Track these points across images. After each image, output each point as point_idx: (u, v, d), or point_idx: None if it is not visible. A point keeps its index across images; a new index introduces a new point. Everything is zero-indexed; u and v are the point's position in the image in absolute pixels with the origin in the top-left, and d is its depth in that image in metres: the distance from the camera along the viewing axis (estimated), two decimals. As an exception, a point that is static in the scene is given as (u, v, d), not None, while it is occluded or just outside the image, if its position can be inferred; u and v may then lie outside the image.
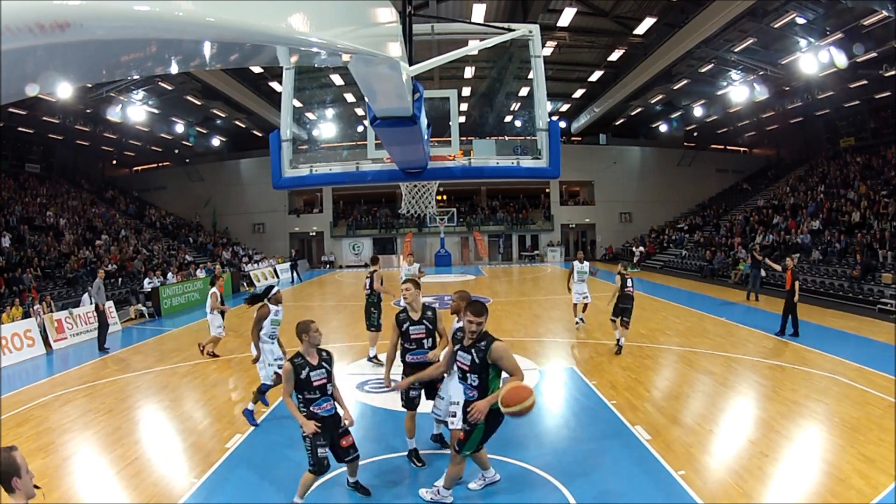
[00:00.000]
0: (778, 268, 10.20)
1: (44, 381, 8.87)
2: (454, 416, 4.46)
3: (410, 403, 5.18)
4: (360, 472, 5.10)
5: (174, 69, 1.71)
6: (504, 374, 4.21)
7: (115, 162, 33.02)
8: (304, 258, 32.88)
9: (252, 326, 6.51)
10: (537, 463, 5.11)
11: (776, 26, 16.59)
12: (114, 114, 21.87)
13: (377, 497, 4.70)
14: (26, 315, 11.94)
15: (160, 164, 34.23)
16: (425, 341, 5.12)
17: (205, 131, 29.82)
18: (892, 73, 18.21)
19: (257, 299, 6.81)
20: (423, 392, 5.24)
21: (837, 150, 25.75)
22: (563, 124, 27.25)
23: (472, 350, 4.16)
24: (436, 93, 6.83)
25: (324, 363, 4.31)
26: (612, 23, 19.19)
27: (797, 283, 9.95)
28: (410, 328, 5.09)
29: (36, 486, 2.37)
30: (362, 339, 11.30)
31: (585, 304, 11.79)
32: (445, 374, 4.90)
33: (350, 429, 4.41)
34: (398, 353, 5.20)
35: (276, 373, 6.42)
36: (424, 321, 5.13)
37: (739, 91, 22.10)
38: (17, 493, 2.26)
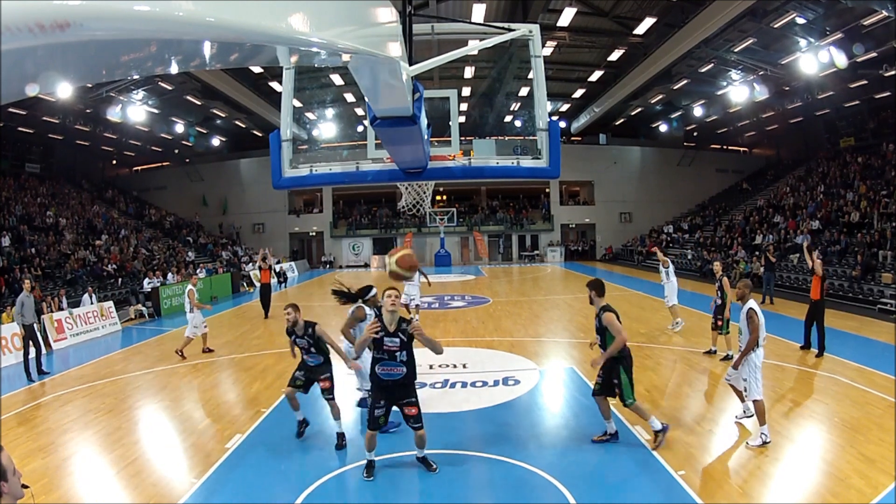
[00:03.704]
0: (817, 262, 8.88)
1: (44, 381, 8.87)
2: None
3: (374, 423, 4.87)
4: (359, 471, 5.10)
5: (174, 69, 1.71)
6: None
7: (115, 162, 33.04)
8: (304, 258, 32.90)
9: (344, 327, 6.13)
10: (537, 463, 5.10)
11: (776, 26, 16.59)
12: (114, 114, 21.88)
13: (377, 497, 4.70)
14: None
15: (160, 164, 34.24)
16: (398, 354, 4.72)
17: (205, 131, 29.83)
18: (892, 73, 18.22)
19: (351, 298, 6.30)
20: (387, 410, 4.91)
21: (837, 150, 25.75)
22: (563, 124, 27.22)
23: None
24: (436, 93, 6.83)
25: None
26: (611, 23, 19.20)
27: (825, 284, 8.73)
28: (385, 339, 4.69)
29: (24, 486, 2.32)
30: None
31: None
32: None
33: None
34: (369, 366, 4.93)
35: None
36: (400, 334, 4.72)
37: (739, 91, 22.11)
38: (4, 497, 2.21)
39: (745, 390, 5.58)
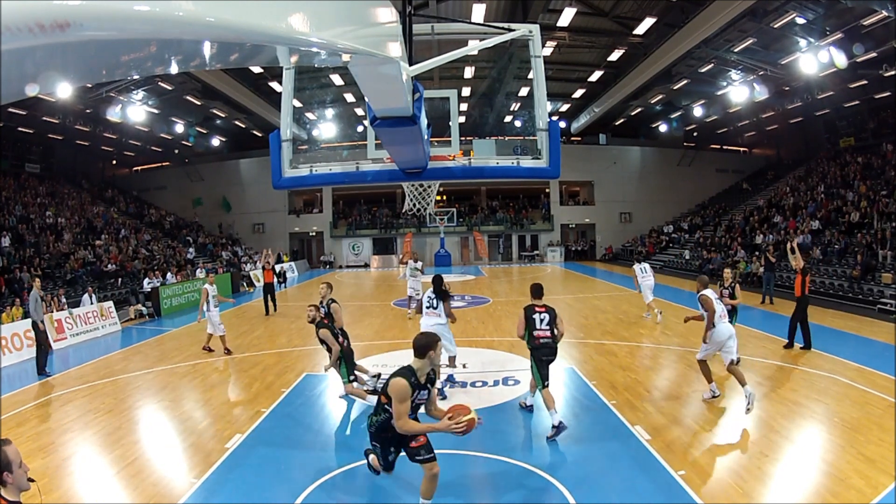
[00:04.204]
0: (798, 263, 9.36)
1: (44, 381, 8.87)
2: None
3: (390, 467, 4.07)
4: (359, 471, 5.10)
5: (174, 69, 1.71)
6: None
7: (115, 162, 33.04)
8: (304, 258, 32.90)
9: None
10: (537, 463, 5.11)
11: (776, 26, 16.59)
12: (114, 114, 21.88)
13: (377, 497, 4.70)
14: (27, 315, 11.95)
15: (160, 164, 34.24)
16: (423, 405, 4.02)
17: (205, 131, 29.83)
18: (892, 73, 18.22)
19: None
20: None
21: (837, 150, 25.76)
22: (563, 124, 27.27)
23: None
24: (436, 93, 6.84)
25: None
26: (611, 23, 19.20)
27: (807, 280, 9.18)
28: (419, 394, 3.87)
29: (31, 479, 2.36)
30: (362, 339, 11.31)
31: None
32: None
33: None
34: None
35: None
36: (428, 385, 3.95)
37: (739, 91, 22.11)
38: (9, 487, 2.26)
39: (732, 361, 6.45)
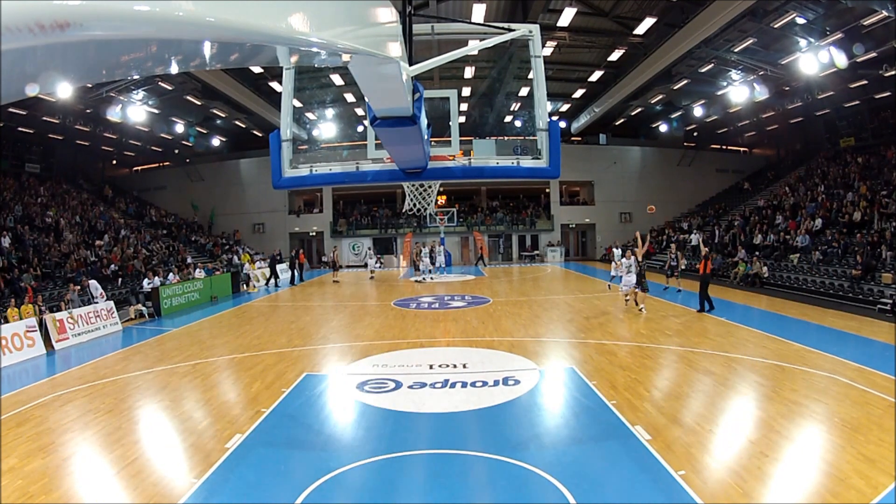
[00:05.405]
0: (704, 249, 12.87)
1: (44, 381, 8.88)
2: None
3: None
4: (359, 471, 5.11)
5: (174, 69, 1.71)
6: None
7: (115, 162, 33.01)
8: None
9: None
10: (537, 463, 5.11)
11: (776, 26, 16.59)
12: (114, 114, 21.86)
13: (377, 497, 4.70)
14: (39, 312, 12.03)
15: (160, 164, 34.23)
16: None
17: (205, 131, 29.81)
18: (892, 73, 18.22)
19: None
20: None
21: (837, 150, 25.75)
22: (563, 124, 27.26)
23: None
24: (436, 93, 6.85)
25: None
26: (612, 23, 19.19)
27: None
28: None
29: None
30: (362, 338, 11.32)
31: None
32: None
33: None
34: None
35: None
36: None
37: (739, 91, 22.10)
38: None
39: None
